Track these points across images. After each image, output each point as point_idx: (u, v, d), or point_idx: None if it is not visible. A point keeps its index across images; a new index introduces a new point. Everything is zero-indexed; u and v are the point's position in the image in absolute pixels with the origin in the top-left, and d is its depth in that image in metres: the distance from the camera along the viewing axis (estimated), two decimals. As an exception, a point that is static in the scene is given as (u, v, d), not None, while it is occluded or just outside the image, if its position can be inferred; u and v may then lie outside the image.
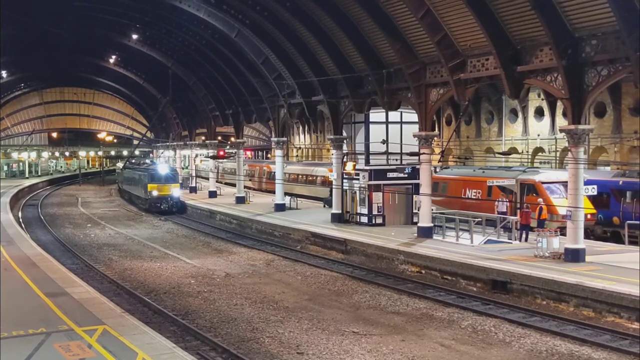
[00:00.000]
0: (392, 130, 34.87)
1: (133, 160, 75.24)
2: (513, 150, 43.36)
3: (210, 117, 57.72)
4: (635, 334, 16.79)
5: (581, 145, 23.36)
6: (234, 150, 58.89)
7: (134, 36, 52.24)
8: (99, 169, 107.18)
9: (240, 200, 47.46)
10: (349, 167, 33.90)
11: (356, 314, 19.62)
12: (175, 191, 49.38)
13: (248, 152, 75.70)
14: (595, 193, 26.26)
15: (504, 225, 28.15)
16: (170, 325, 18.38)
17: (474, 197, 33.24)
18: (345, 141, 36.82)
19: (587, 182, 25.42)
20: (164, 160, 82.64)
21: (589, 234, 28.36)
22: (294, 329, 17.83)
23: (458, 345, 16.49)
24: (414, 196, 32.94)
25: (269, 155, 79.59)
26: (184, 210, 49.66)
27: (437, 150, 38.41)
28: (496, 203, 30.00)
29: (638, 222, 27.73)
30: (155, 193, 48.63)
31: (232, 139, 66.82)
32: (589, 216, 27.40)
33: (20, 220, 43.86)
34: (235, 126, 52.59)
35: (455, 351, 16.00)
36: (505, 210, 29.55)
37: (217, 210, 44.61)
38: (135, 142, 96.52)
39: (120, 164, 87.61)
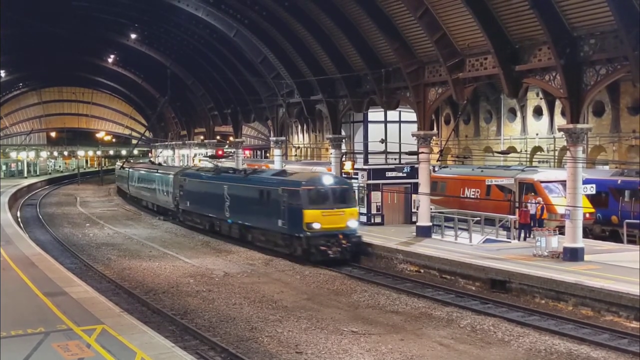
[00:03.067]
0: (391, 129, 34.87)
1: (218, 164, 43.90)
2: (512, 150, 43.34)
3: (209, 117, 57.75)
4: (634, 332, 16.80)
5: (580, 144, 23.38)
6: (232, 150, 58.91)
7: (133, 36, 52.28)
8: (97, 169, 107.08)
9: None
10: (348, 166, 33.92)
11: (355, 313, 19.62)
12: (352, 222, 27.56)
13: (247, 152, 75.73)
14: (594, 192, 26.27)
15: (502, 224, 28.16)
16: (169, 324, 18.37)
17: (473, 197, 33.25)
18: (343, 140, 36.83)
19: (586, 181, 25.43)
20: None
21: (587, 233, 28.36)
22: (293, 329, 17.82)
23: (457, 344, 16.49)
24: (413, 195, 32.96)
25: (267, 155, 79.59)
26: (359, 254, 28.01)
27: (436, 149, 38.40)
28: (527, 205, 28.58)
29: (636, 221, 27.74)
30: (316, 226, 26.80)
31: (231, 139, 66.89)
32: (587, 215, 27.40)
33: (19, 219, 43.82)
34: (234, 125, 52.61)
35: (454, 350, 16.00)
36: (534, 212, 27.70)
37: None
38: (134, 141, 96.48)
39: (119, 163, 72.88)
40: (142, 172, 53.75)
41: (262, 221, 30.30)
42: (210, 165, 47.12)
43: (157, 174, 48.17)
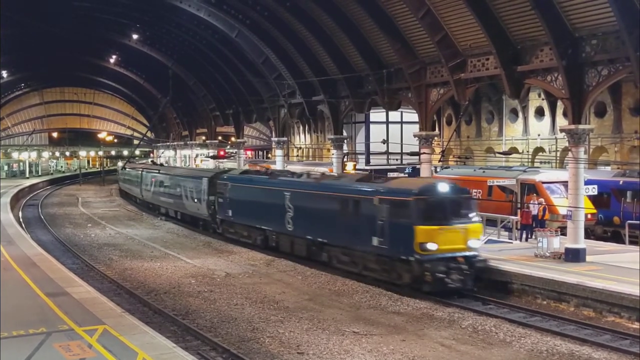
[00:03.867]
0: (393, 130, 34.95)
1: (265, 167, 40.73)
2: (513, 150, 43.29)
3: (211, 117, 57.80)
4: (636, 333, 16.79)
5: (581, 145, 23.37)
6: (234, 150, 58.95)
7: (134, 36, 52.32)
8: (99, 169, 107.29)
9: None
10: (350, 167, 33.94)
11: (356, 313, 19.61)
12: (474, 242, 21.89)
13: (248, 152, 75.80)
14: (596, 193, 26.24)
15: (504, 225, 28.15)
16: (171, 325, 18.37)
17: (475, 197, 33.19)
18: (345, 141, 36.86)
19: (588, 182, 25.42)
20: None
21: (589, 233, 28.34)
22: (295, 329, 17.81)
23: (458, 345, 16.48)
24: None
25: (269, 155, 79.67)
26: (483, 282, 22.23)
27: (438, 150, 38.41)
28: (529, 205, 28.15)
29: (638, 222, 27.72)
30: (432, 247, 21.06)
31: (233, 139, 66.94)
32: (589, 216, 27.38)
33: (21, 220, 43.86)
34: (236, 126, 52.65)
35: (456, 351, 15.99)
36: (536, 213, 27.30)
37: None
38: (136, 142, 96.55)
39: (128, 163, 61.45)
40: (161, 174, 46.54)
41: (346, 238, 24.63)
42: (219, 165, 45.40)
43: (183, 178, 41.25)
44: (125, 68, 67.84)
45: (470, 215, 22.31)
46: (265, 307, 20.33)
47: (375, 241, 22.72)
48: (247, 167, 47.91)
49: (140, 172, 52.83)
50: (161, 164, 64.29)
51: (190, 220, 40.46)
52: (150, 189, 48.82)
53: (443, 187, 22.34)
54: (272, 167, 45.63)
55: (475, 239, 21.86)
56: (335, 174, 32.18)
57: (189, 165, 68.40)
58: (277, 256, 29.00)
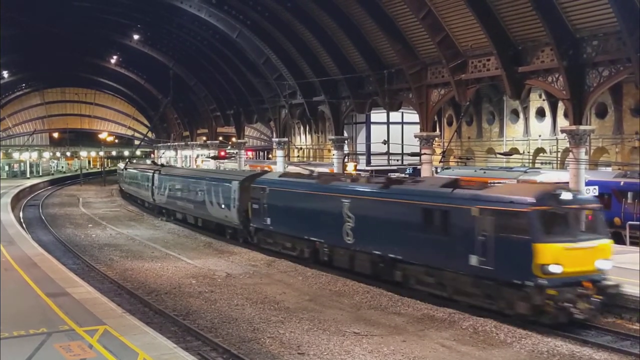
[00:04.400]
0: (393, 130, 34.94)
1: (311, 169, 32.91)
2: (514, 151, 43.32)
3: (212, 118, 57.89)
4: (636, 334, 16.77)
5: (582, 145, 23.43)
6: (235, 151, 58.94)
7: (135, 36, 52.43)
8: (100, 169, 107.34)
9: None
10: (350, 167, 33.96)
11: (357, 314, 19.60)
12: (603, 263, 17.68)
13: (249, 153, 75.85)
14: (597, 194, 26.25)
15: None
16: (171, 325, 18.36)
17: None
18: (346, 141, 36.87)
19: (588, 183, 25.44)
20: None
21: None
22: (295, 330, 17.81)
23: (459, 345, 16.47)
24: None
25: (270, 156, 79.70)
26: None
27: (438, 150, 38.42)
28: None
29: (639, 222, 27.72)
30: (556, 270, 16.82)
31: (233, 139, 67.00)
32: (590, 217, 27.34)
33: (21, 220, 43.86)
34: (237, 126, 52.71)
35: (456, 352, 15.97)
36: None
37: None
38: (137, 142, 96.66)
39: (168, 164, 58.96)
40: (180, 177, 42.59)
41: (431, 255, 20.49)
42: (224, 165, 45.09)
43: (207, 181, 36.93)
44: (126, 68, 67.93)
45: (600, 229, 18.32)
46: (265, 308, 20.33)
47: (473, 260, 18.63)
48: (265, 168, 45.63)
49: (151, 174, 48.58)
50: (162, 165, 63.96)
51: (215, 228, 36.49)
52: (165, 192, 44.82)
53: (567, 195, 18.00)
54: (273, 167, 45.59)
55: (604, 259, 17.80)
56: (421, 178, 26.75)
57: (189, 165, 68.35)
58: (277, 257, 28.97)
